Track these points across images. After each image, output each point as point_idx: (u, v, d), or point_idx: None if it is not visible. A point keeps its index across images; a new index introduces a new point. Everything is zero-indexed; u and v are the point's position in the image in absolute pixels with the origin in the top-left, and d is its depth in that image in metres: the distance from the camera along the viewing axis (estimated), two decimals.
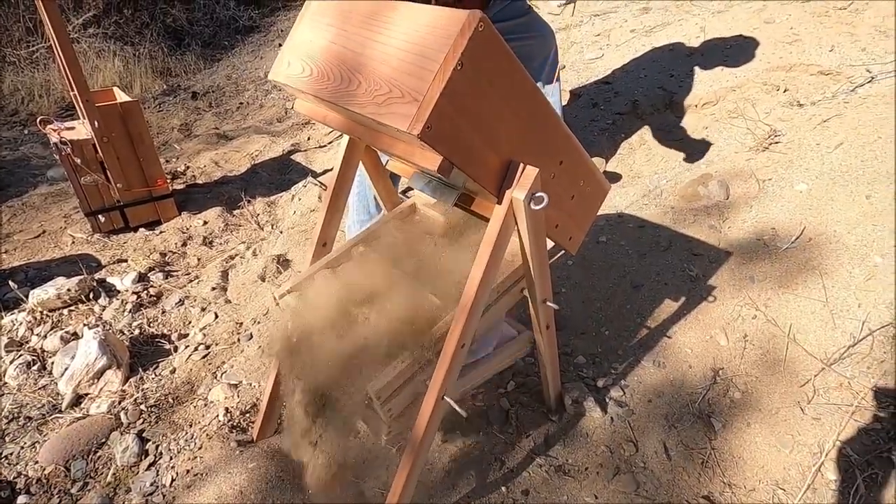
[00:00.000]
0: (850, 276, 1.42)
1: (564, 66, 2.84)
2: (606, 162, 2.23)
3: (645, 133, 2.31)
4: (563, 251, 1.70)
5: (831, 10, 2.43)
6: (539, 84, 1.81)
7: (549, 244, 1.01)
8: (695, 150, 2.08)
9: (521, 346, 1.18)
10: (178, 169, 2.95)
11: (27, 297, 1.86)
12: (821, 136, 1.85)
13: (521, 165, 0.83)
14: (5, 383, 1.58)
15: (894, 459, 1.11)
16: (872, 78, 1.97)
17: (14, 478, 1.31)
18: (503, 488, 1.17)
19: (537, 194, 0.83)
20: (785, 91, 2.13)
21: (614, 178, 2.14)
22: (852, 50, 2.17)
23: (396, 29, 0.77)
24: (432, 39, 0.71)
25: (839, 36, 2.26)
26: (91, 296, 1.92)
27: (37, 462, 1.35)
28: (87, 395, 1.53)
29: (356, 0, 0.87)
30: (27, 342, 1.73)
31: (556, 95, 1.85)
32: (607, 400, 1.32)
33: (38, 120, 2.33)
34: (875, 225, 1.50)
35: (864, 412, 1.19)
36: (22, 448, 1.39)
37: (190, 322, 1.81)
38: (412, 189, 1.11)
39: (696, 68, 2.46)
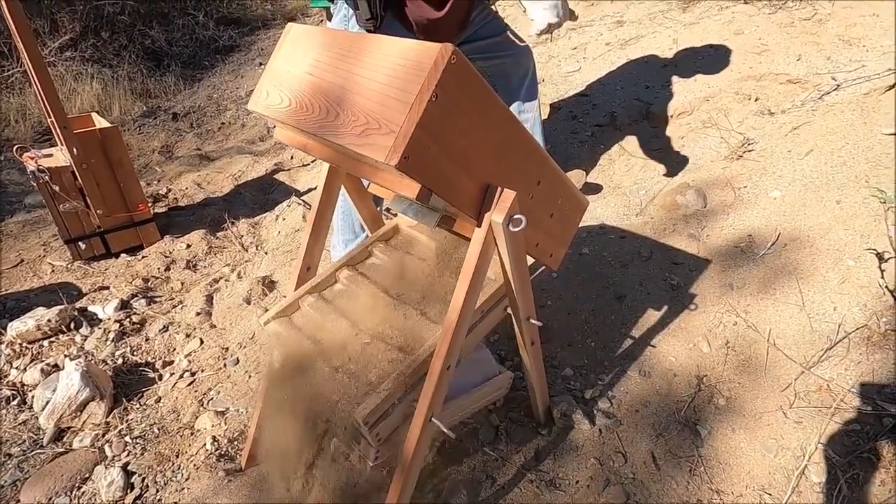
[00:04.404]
0: (825, 280, 1.46)
1: (543, 80, 2.89)
2: (587, 174, 2.26)
3: (623, 144, 2.35)
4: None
5: (797, 20, 2.52)
6: (519, 101, 1.84)
7: (531, 260, 1.03)
8: (672, 160, 2.12)
9: (501, 384, 1.21)
10: (160, 192, 2.92)
11: (6, 329, 1.82)
12: (792, 143, 1.91)
13: (499, 189, 0.84)
14: None
15: (874, 459, 1.14)
16: (838, 86, 2.04)
17: None
18: None
19: (515, 216, 0.84)
20: (756, 100, 2.19)
21: (595, 188, 2.17)
22: (818, 59, 2.25)
23: (371, 61, 0.78)
24: (405, 72, 0.73)
25: (805, 45, 2.34)
26: (72, 325, 1.88)
27: (19, 501, 1.31)
28: (69, 428, 1.50)
29: (332, 32, 0.89)
30: (6, 376, 1.69)
31: (536, 111, 1.88)
32: (595, 411, 1.34)
33: (14, 148, 2.30)
34: (846, 229, 1.55)
35: (843, 413, 1.22)
36: (2, 487, 1.35)
37: (175, 349, 1.79)
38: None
39: (671, 79, 2.52)
